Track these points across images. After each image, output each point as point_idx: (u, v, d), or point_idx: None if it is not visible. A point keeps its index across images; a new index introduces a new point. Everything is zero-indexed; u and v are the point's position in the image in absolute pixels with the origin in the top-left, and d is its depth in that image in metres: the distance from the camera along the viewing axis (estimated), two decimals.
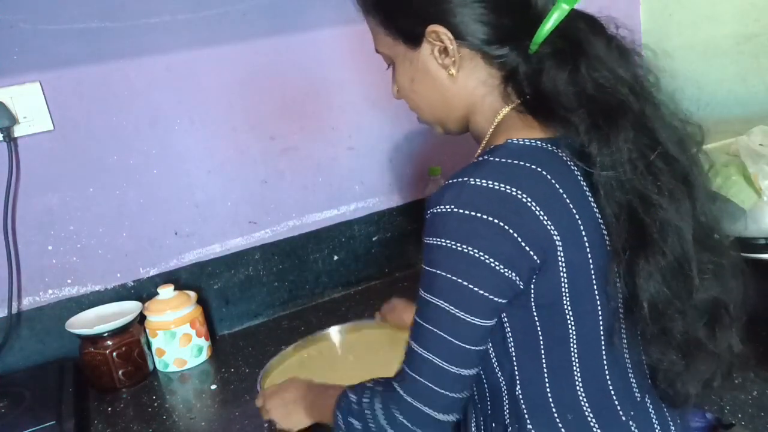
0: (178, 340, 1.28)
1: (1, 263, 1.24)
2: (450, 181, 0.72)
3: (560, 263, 0.71)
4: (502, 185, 0.69)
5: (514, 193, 0.69)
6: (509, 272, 0.69)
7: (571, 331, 0.74)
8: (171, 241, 1.40)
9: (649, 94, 0.75)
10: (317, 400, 0.94)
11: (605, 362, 0.76)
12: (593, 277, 0.73)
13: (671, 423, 0.80)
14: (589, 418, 0.76)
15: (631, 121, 0.71)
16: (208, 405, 1.17)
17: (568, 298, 0.72)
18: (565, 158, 0.73)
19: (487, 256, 0.68)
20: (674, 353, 0.73)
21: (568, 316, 0.73)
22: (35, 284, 1.29)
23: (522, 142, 0.73)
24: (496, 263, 0.69)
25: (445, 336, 0.71)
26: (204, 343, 1.33)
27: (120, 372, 1.24)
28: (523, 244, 0.69)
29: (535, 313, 0.73)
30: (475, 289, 0.69)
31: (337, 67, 1.50)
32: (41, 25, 1.21)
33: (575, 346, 0.74)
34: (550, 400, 0.76)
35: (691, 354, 0.74)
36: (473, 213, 0.68)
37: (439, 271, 0.71)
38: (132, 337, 1.26)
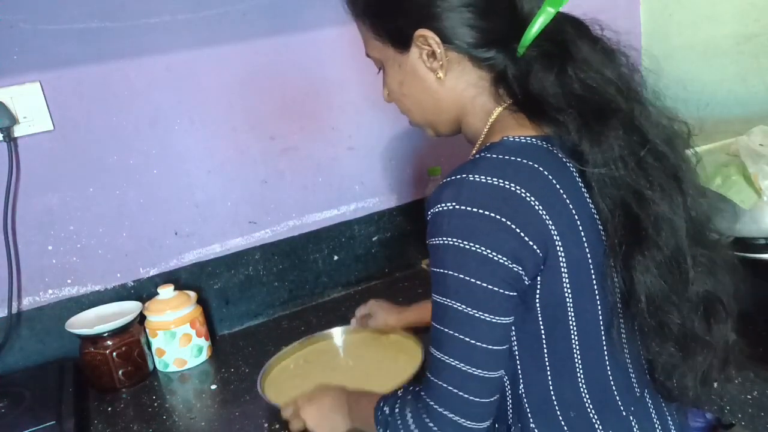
0: (178, 340, 1.28)
1: (1, 263, 1.24)
2: (448, 179, 0.72)
3: (561, 259, 0.71)
4: (501, 181, 0.69)
5: (513, 189, 0.69)
6: (516, 266, 0.70)
7: (572, 328, 0.74)
8: (171, 241, 1.40)
9: (636, 93, 0.76)
10: (354, 408, 0.93)
11: (606, 358, 0.77)
12: (592, 272, 0.74)
13: (669, 418, 0.81)
14: (591, 414, 0.76)
15: (620, 119, 0.72)
16: (208, 405, 1.17)
17: (570, 295, 0.73)
18: (559, 155, 0.74)
19: (492, 252, 0.69)
20: (671, 346, 0.74)
21: (569, 313, 0.74)
22: (35, 284, 1.29)
23: (518, 140, 0.74)
24: (502, 258, 0.69)
25: (463, 338, 0.71)
26: (204, 343, 1.33)
27: (120, 372, 1.24)
28: (526, 238, 0.69)
29: (539, 312, 0.74)
30: (485, 285, 0.69)
31: (337, 67, 1.50)
32: (41, 25, 1.21)
33: (577, 343, 0.75)
34: (553, 398, 0.76)
35: (687, 346, 0.75)
36: (474, 209, 0.69)
37: (447, 271, 0.71)
38: (132, 337, 1.26)
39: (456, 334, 0.71)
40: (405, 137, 1.61)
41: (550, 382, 0.76)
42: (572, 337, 0.75)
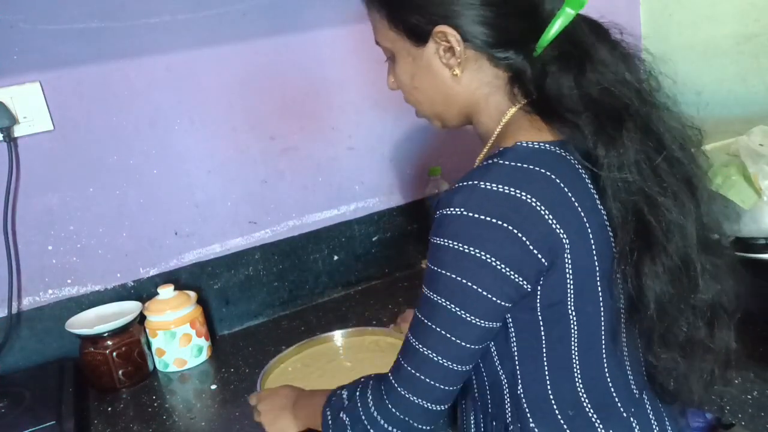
0: (178, 340, 1.28)
1: (1, 263, 1.24)
2: (460, 184, 0.72)
3: (567, 266, 0.71)
4: (512, 189, 0.69)
5: (523, 197, 0.69)
6: (516, 276, 0.70)
7: (573, 330, 0.74)
8: (171, 241, 1.40)
9: (652, 98, 0.76)
10: (305, 406, 0.95)
11: (605, 360, 0.77)
12: (598, 278, 0.74)
13: (667, 419, 0.81)
14: (590, 414, 0.77)
15: (636, 124, 0.72)
16: (208, 405, 1.17)
17: (572, 299, 0.73)
18: (573, 161, 0.74)
19: (495, 260, 0.69)
20: (676, 352, 0.74)
21: (571, 316, 0.74)
22: (35, 284, 1.29)
23: (531, 145, 0.74)
24: (504, 267, 0.69)
25: (445, 334, 0.72)
26: (204, 343, 1.33)
27: (120, 372, 1.24)
28: (531, 247, 0.69)
29: (539, 314, 0.74)
30: (481, 291, 0.70)
31: (337, 67, 1.50)
32: (41, 25, 1.21)
33: (576, 344, 0.75)
34: (551, 397, 0.77)
35: (691, 352, 0.75)
36: (483, 216, 0.69)
37: (444, 272, 0.71)
38: (132, 337, 1.26)
39: (439, 330, 0.72)
40: (405, 137, 1.61)
41: (548, 382, 0.76)
42: (572, 338, 0.75)
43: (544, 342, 0.75)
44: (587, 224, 0.72)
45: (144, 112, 1.33)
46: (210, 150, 1.40)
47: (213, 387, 1.23)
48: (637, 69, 0.76)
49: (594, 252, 0.73)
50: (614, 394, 0.78)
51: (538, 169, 0.71)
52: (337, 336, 1.30)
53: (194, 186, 1.40)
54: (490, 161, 0.74)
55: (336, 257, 1.57)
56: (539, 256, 0.70)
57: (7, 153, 1.21)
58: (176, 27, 1.32)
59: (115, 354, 1.23)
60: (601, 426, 0.77)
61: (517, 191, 0.69)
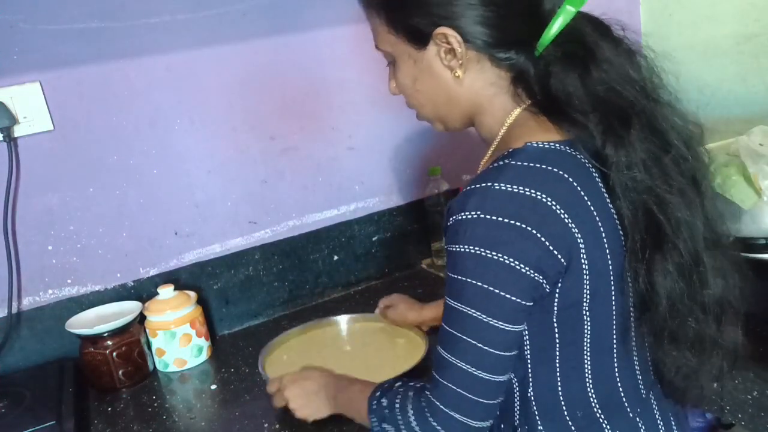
0: (178, 340, 1.28)
1: (1, 263, 1.24)
2: (472, 187, 0.71)
3: (583, 265, 0.71)
4: (527, 189, 0.69)
5: (539, 197, 0.69)
6: (537, 276, 0.69)
7: (586, 331, 0.74)
8: (171, 241, 1.40)
9: (657, 95, 0.75)
10: (342, 394, 0.94)
11: (615, 360, 0.77)
12: (612, 277, 0.74)
13: (672, 419, 0.81)
14: (598, 415, 0.77)
15: (643, 122, 0.72)
16: (208, 405, 1.17)
17: (588, 299, 0.73)
18: (583, 160, 0.73)
19: (516, 262, 0.68)
20: (686, 349, 0.75)
21: (585, 317, 0.74)
22: (35, 284, 1.29)
23: (541, 145, 0.73)
24: (525, 267, 0.69)
25: (475, 343, 0.71)
26: (204, 343, 1.33)
27: (120, 372, 1.24)
28: (551, 247, 0.69)
29: (555, 317, 0.74)
30: (505, 294, 0.69)
31: (337, 67, 1.50)
32: (41, 25, 1.21)
33: (588, 346, 0.75)
34: (561, 399, 0.76)
35: (702, 349, 0.75)
36: (500, 218, 0.68)
37: (467, 279, 0.70)
38: (132, 337, 1.26)
39: (468, 339, 0.71)
40: (405, 137, 1.61)
41: (559, 384, 0.76)
42: (585, 340, 0.75)
43: (557, 345, 0.75)
44: (600, 223, 0.72)
45: (144, 112, 1.33)
46: (210, 150, 1.40)
47: (213, 387, 1.23)
48: (639, 66, 0.76)
49: (607, 251, 0.73)
50: (622, 394, 0.78)
51: (551, 168, 0.71)
52: (342, 320, 1.32)
53: (194, 186, 1.40)
54: (501, 162, 0.73)
55: (336, 257, 1.57)
56: (559, 256, 0.69)
57: (7, 153, 1.21)
58: (176, 27, 1.32)
59: (115, 354, 1.23)
60: (608, 426, 0.77)
61: (533, 191, 0.69)
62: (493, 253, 0.68)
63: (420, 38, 0.79)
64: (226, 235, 1.45)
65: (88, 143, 1.29)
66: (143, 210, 1.36)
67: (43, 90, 1.23)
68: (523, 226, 0.68)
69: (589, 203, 0.72)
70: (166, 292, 1.29)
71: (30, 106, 1.22)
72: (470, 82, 0.80)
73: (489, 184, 0.70)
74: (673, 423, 0.81)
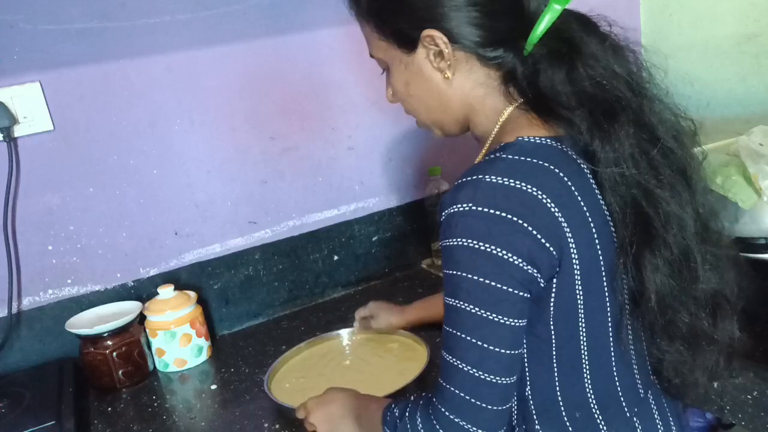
0: (178, 340, 1.28)
1: (1, 263, 1.24)
2: (463, 180, 0.71)
3: (574, 260, 0.71)
4: (518, 182, 0.69)
5: (529, 190, 0.69)
6: (530, 268, 0.69)
7: (581, 328, 0.74)
8: (171, 241, 1.40)
9: (645, 90, 0.76)
10: (363, 414, 0.91)
11: (613, 358, 0.77)
12: (603, 273, 0.73)
13: (671, 418, 0.81)
14: (595, 415, 0.76)
15: (630, 117, 0.72)
16: (208, 405, 1.17)
17: (581, 295, 0.73)
18: (573, 155, 0.74)
19: (508, 253, 0.68)
20: (680, 344, 0.74)
21: (579, 314, 0.74)
22: (35, 284, 1.29)
23: (533, 140, 0.74)
24: (518, 259, 0.68)
25: (476, 342, 0.70)
26: (204, 343, 1.33)
27: (120, 372, 1.24)
28: (542, 240, 0.69)
29: (551, 314, 0.73)
30: (500, 286, 0.68)
31: (337, 67, 1.50)
32: (41, 25, 1.21)
33: (585, 343, 0.75)
34: (559, 399, 0.76)
35: (696, 344, 0.75)
36: (491, 210, 0.68)
37: (460, 273, 0.70)
38: (132, 337, 1.26)
39: (469, 338, 0.70)
40: (405, 137, 1.61)
41: (557, 384, 0.76)
42: (581, 338, 0.74)
43: (554, 344, 0.75)
44: (590, 219, 0.72)
45: (144, 112, 1.33)
46: (210, 150, 1.40)
47: (213, 387, 1.23)
48: (627, 61, 0.76)
49: (598, 246, 0.73)
50: (620, 393, 0.78)
51: (541, 162, 0.71)
52: (344, 334, 1.30)
53: (194, 186, 1.40)
54: (492, 156, 0.73)
55: (336, 257, 1.57)
56: (551, 248, 0.69)
57: (7, 153, 1.21)
58: (176, 27, 1.32)
59: (115, 354, 1.23)
60: (604, 427, 0.76)
61: (523, 184, 0.69)
62: (484, 245, 0.68)
63: (408, 42, 0.80)
64: (226, 235, 1.45)
65: (88, 143, 1.29)
66: (143, 210, 1.36)
67: (43, 90, 1.23)
68: (514, 218, 0.68)
69: (579, 198, 0.72)
70: (166, 292, 1.29)
71: (30, 106, 1.22)
72: (460, 83, 0.80)
73: (480, 176, 0.70)
74: (672, 423, 0.81)
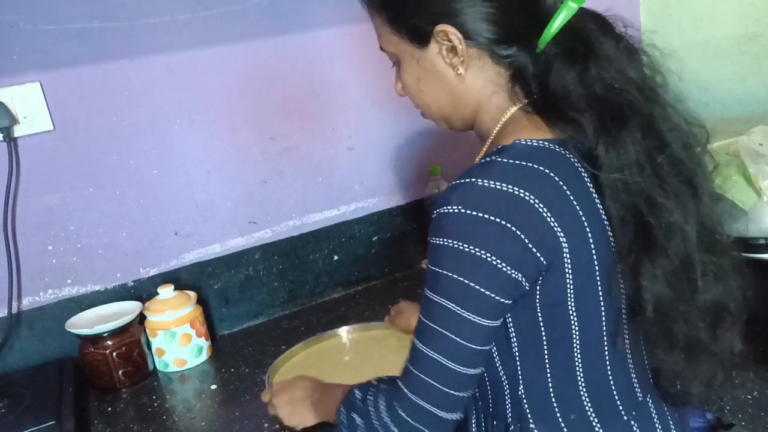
0: (178, 340, 1.28)
1: (1, 263, 1.24)
2: (457, 182, 0.71)
3: (566, 265, 0.71)
4: (510, 186, 0.69)
5: (521, 195, 0.69)
6: (516, 273, 0.69)
7: (574, 331, 0.74)
8: (171, 241, 1.40)
9: (657, 95, 0.75)
10: (323, 399, 0.94)
11: (608, 362, 0.76)
12: (598, 278, 0.73)
13: (671, 423, 0.81)
14: (591, 418, 0.76)
15: (639, 122, 0.71)
16: (208, 405, 1.17)
17: (572, 299, 0.73)
18: (572, 159, 0.73)
19: (493, 257, 0.68)
20: (677, 354, 0.74)
21: (571, 317, 0.73)
22: (35, 284, 1.29)
23: (530, 143, 0.73)
24: (503, 264, 0.69)
25: (450, 335, 0.71)
26: (204, 343, 1.33)
27: (120, 372, 1.24)
28: (530, 246, 0.69)
29: (539, 314, 0.74)
30: (481, 289, 0.69)
31: (337, 67, 1.50)
32: (41, 25, 1.21)
33: (578, 346, 0.75)
34: (553, 399, 0.76)
35: (694, 355, 0.74)
36: (481, 214, 0.68)
37: (445, 272, 0.71)
38: (132, 337, 1.26)
39: (443, 331, 0.72)
40: (405, 137, 1.61)
41: (550, 384, 0.76)
42: (573, 339, 0.74)
43: (545, 343, 0.75)
44: (586, 224, 0.72)
45: (144, 112, 1.33)
46: (210, 150, 1.40)
47: (213, 387, 1.23)
48: (640, 64, 0.75)
49: (594, 252, 0.72)
50: (616, 397, 0.77)
51: (537, 167, 0.71)
52: (344, 331, 1.31)
53: (194, 186, 1.40)
54: (488, 158, 0.73)
55: (336, 257, 1.57)
56: (538, 255, 0.69)
57: (7, 153, 1.21)
58: (176, 27, 1.32)
59: (115, 354, 1.23)
60: (600, 429, 0.76)
61: (516, 189, 0.69)
62: (472, 248, 0.68)
63: (421, 37, 0.79)
64: (226, 235, 1.45)
65: (88, 143, 1.29)
66: (143, 210, 1.36)
67: (43, 90, 1.23)
68: (504, 223, 0.68)
69: (575, 203, 0.71)
70: (166, 292, 1.29)
71: (30, 106, 1.22)
72: (472, 80, 0.80)
73: (473, 180, 0.70)
74: (672, 427, 0.80)
